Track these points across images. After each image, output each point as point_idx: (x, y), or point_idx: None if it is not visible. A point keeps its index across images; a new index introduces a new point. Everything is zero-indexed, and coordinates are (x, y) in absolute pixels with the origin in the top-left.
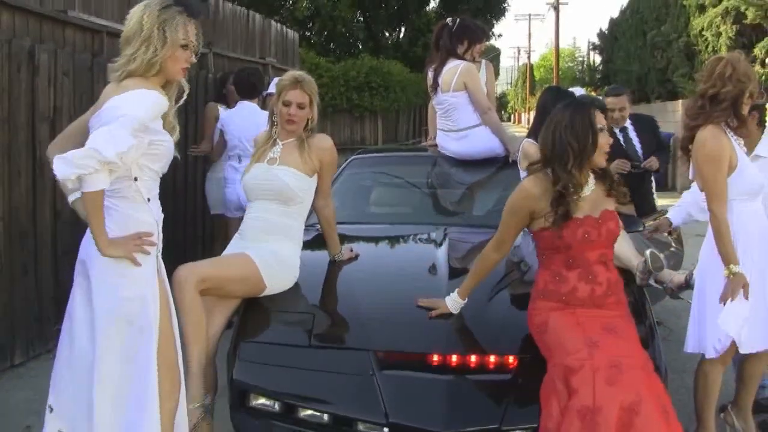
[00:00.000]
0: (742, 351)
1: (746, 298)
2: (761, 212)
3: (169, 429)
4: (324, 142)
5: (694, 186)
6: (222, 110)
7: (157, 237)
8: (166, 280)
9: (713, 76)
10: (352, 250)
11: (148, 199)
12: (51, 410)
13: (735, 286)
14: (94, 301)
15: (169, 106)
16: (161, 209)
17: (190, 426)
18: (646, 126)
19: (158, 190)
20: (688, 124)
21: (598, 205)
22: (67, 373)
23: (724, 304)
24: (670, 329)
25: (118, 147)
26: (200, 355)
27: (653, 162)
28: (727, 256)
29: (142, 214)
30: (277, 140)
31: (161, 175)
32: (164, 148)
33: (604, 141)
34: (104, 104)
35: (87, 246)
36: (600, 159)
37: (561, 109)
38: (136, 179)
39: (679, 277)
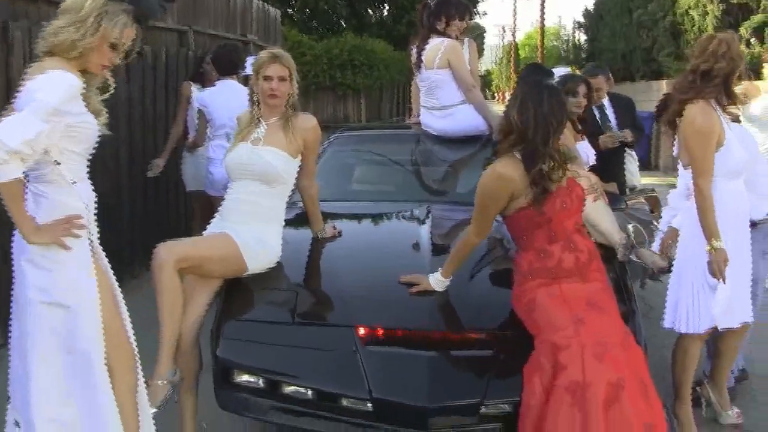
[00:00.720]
0: (720, 328)
1: (723, 278)
2: (742, 192)
3: (132, 404)
4: (308, 122)
5: (679, 183)
6: (196, 90)
7: (88, 219)
8: (104, 259)
9: (707, 53)
10: (335, 228)
11: (74, 183)
12: (9, 400)
13: (718, 261)
14: (27, 288)
15: (92, 93)
16: (92, 189)
17: (161, 401)
18: (623, 105)
19: (86, 172)
20: (677, 98)
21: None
22: (17, 361)
23: (718, 280)
24: (650, 306)
25: (25, 135)
26: (172, 335)
27: (627, 133)
28: (710, 232)
29: (68, 198)
30: (261, 120)
31: (88, 157)
32: (86, 130)
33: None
34: (23, 86)
35: (18, 241)
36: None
37: (534, 89)
38: (58, 163)
39: (661, 262)
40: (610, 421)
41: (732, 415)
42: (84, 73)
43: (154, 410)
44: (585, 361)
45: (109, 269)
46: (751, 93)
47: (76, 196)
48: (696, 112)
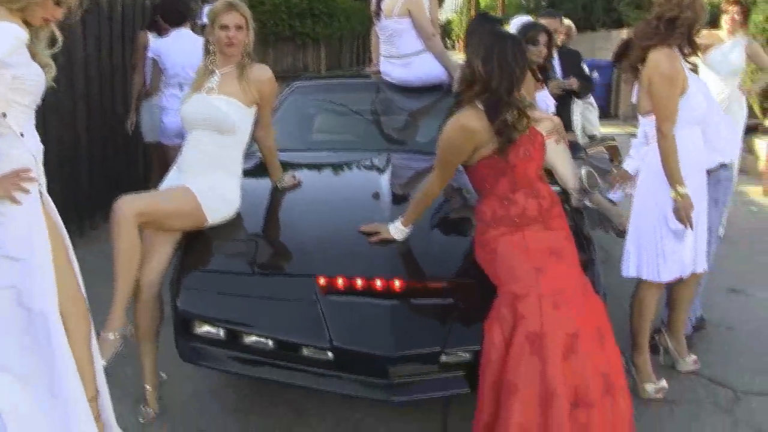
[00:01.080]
0: (685, 275)
1: (691, 224)
2: (699, 141)
3: (86, 355)
4: (263, 73)
5: (639, 132)
6: (152, 39)
7: (37, 171)
8: (54, 210)
9: (673, 2)
10: (294, 177)
11: (21, 134)
12: None
13: (686, 207)
14: None
15: (40, 46)
16: (40, 140)
17: (111, 354)
18: (570, 58)
19: (33, 123)
20: (641, 44)
21: None
22: None
23: (686, 227)
24: (608, 253)
25: None
26: (127, 289)
27: (573, 81)
28: (674, 178)
29: (15, 149)
30: (215, 70)
31: (35, 108)
32: (32, 81)
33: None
34: None
35: None
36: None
37: (498, 38)
38: (4, 115)
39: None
40: (568, 370)
41: (689, 362)
42: (28, 25)
43: (103, 363)
44: (543, 310)
45: (59, 220)
46: (710, 42)
47: (24, 148)
48: (661, 57)
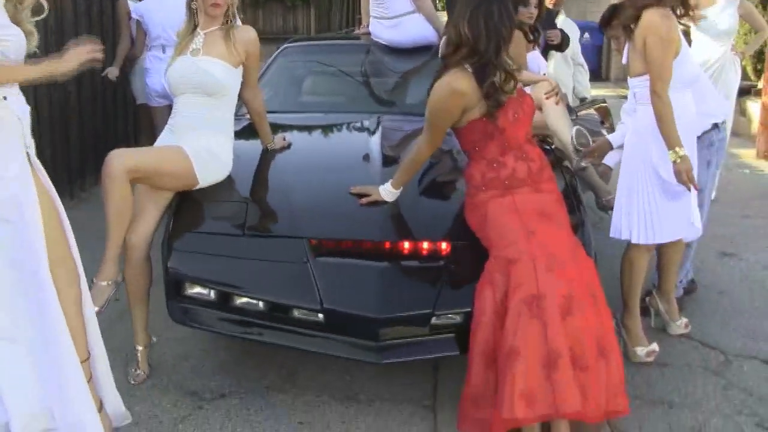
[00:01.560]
0: (688, 240)
1: (694, 185)
2: (690, 104)
3: (78, 317)
4: (249, 33)
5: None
6: (131, 2)
7: (23, 133)
8: (43, 171)
9: None
10: (284, 139)
11: (4, 97)
12: None
13: (687, 169)
14: None
15: (23, 14)
16: (25, 102)
17: (104, 301)
18: (547, 17)
19: (17, 87)
20: (636, 3)
21: None
22: None
23: (690, 190)
24: (600, 216)
25: None
26: (118, 240)
27: (554, 33)
28: (672, 140)
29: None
30: (199, 31)
31: None
32: (13, 43)
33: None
34: None
35: None
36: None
37: (483, 0)
38: None
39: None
40: (564, 332)
41: (680, 324)
42: None
43: (96, 309)
44: (537, 273)
45: (50, 184)
46: (702, 3)
47: (8, 110)
48: (657, 18)
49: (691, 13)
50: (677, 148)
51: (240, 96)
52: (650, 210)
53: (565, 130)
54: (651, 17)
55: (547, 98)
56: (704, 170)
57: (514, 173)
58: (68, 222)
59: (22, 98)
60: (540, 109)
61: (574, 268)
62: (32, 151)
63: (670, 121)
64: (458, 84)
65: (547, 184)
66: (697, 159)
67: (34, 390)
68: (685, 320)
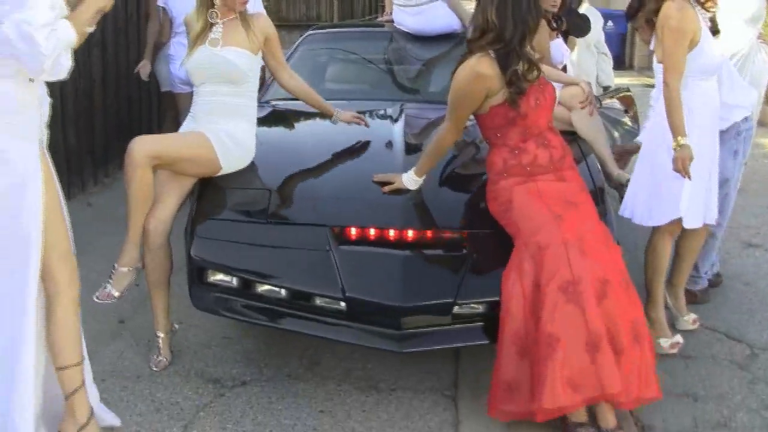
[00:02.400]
0: (685, 226)
1: (688, 174)
2: (714, 92)
3: (74, 316)
4: (262, 17)
5: (657, 81)
6: None
7: (41, 122)
8: (52, 168)
9: None
10: (353, 114)
11: (31, 80)
12: None
13: (683, 158)
14: None
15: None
16: (47, 92)
17: (125, 286)
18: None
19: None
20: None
21: None
22: None
23: (684, 177)
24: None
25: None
26: (138, 226)
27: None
28: (676, 128)
29: (24, 94)
30: (218, 20)
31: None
32: None
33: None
34: None
35: None
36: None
37: None
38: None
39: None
40: (602, 315)
41: (688, 320)
42: None
43: (117, 294)
44: (570, 257)
45: (56, 177)
46: None
47: (34, 94)
48: (672, 9)
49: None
50: (679, 137)
51: (278, 82)
52: (652, 191)
53: (599, 138)
54: (666, 9)
55: (581, 107)
56: (731, 160)
57: (536, 160)
58: (68, 218)
59: (45, 87)
60: (568, 108)
61: (606, 252)
62: (44, 140)
63: (675, 110)
64: (482, 68)
65: (569, 172)
66: (721, 149)
67: None
68: (694, 316)
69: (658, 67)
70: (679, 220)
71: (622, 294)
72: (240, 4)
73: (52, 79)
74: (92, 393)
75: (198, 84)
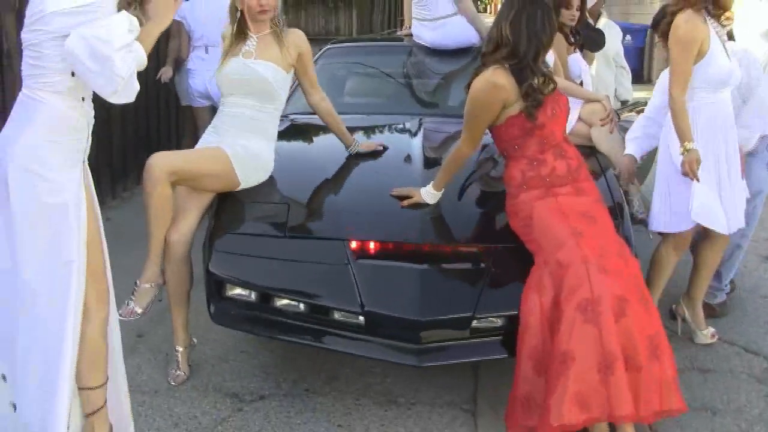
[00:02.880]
0: (703, 223)
1: (696, 177)
2: (726, 103)
3: (101, 338)
4: (298, 34)
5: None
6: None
7: (86, 140)
8: (92, 186)
9: None
10: (372, 141)
11: (83, 99)
12: None
13: (690, 161)
14: (12, 206)
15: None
16: (93, 113)
17: (147, 303)
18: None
19: (92, 92)
20: (669, 9)
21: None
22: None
23: (692, 179)
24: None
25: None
26: (159, 243)
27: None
28: (682, 134)
29: (73, 111)
30: (252, 34)
31: None
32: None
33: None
34: None
35: (4, 148)
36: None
37: (529, 4)
38: (73, 74)
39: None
40: (618, 333)
41: (706, 334)
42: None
43: (140, 311)
44: (591, 275)
45: (94, 195)
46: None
47: (82, 111)
48: (680, 20)
49: (721, 12)
50: (686, 143)
51: (307, 101)
52: (665, 200)
53: (618, 153)
54: (676, 20)
55: (602, 125)
56: (764, 172)
57: (554, 171)
58: (105, 239)
59: (92, 106)
60: (589, 125)
61: (624, 268)
62: (86, 160)
63: (680, 119)
64: (498, 79)
65: (587, 183)
66: (754, 161)
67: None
68: (712, 330)
69: (663, 75)
70: (687, 235)
71: (640, 309)
72: (258, 14)
73: (122, 101)
74: (125, 404)
75: (225, 95)
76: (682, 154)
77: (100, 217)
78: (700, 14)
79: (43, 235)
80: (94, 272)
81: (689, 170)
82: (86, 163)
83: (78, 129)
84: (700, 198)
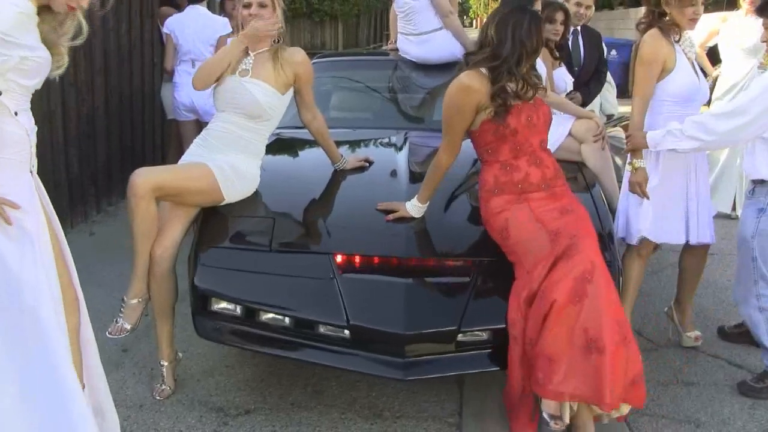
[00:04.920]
0: (657, 241)
1: (646, 195)
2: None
3: (73, 345)
4: (297, 55)
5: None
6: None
7: (30, 152)
8: (46, 195)
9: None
10: (358, 158)
11: (16, 113)
12: None
13: (637, 180)
14: None
15: (61, 38)
16: (34, 121)
17: (136, 318)
18: (593, 39)
19: (29, 104)
20: (640, 27)
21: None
22: None
23: (641, 197)
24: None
25: None
26: (144, 258)
27: (577, 97)
28: (633, 151)
29: (9, 126)
30: (249, 51)
31: (33, 91)
32: (39, 65)
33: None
34: None
35: None
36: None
37: (518, 11)
38: (0, 93)
39: None
40: (578, 313)
41: (690, 336)
42: (48, 11)
43: (129, 326)
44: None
45: (49, 204)
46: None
47: (18, 125)
48: (645, 40)
49: (682, 30)
50: (635, 160)
51: (300, 119)
52: (624, 207)
53: (606, 171)
54: (643, 39)
55: (594, 141)
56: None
57: (528, 177)
58: (67, 245)
59: (31, 117)
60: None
61: (595, 252)
62: (35, 169)
63: (632, 135)
64: (470, 81)
65: (562, 189)
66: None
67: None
68: (696, 333)
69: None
70: (648, 244)
71: (610, 291)
72: (260, 34)
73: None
74: (113, 419)
75: (219, 110)
76: (630, 171)
77: (59, 226)
78: (665, 33)
79: None
80: (63, 283)
81: (636, 188)
82: (35, 172)
83: (18, 142)
84: (648, 216)
